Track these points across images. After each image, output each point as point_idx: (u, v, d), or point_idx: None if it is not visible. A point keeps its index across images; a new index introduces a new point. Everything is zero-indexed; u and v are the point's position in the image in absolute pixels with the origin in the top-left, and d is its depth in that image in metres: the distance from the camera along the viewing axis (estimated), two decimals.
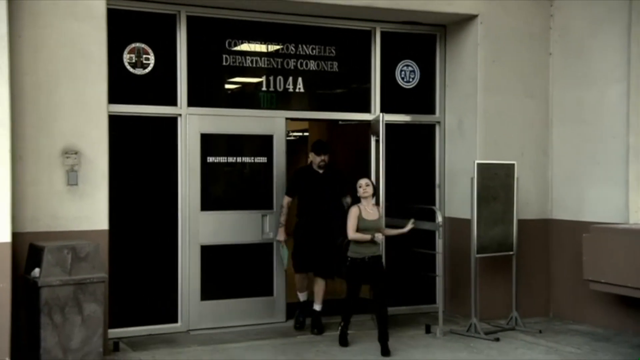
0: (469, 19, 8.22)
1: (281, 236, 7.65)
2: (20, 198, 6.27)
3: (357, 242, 6.79)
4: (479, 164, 7.46)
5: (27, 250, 6.14)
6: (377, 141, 7.82)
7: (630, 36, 7.45)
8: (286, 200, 7.58)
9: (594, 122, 7.94)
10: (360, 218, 6.78)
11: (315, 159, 7.64)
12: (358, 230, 6.75)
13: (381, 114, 7.65)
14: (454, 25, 8.50)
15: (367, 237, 6.71)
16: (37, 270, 5.79)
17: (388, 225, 7.29)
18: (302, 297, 7.81)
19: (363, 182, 6.91)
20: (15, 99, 6.22)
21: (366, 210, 6.84)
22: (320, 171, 7.64)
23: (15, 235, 6.06)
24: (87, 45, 6.59)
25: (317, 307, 7.60)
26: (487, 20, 8.14)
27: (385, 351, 6.58)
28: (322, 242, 7.43)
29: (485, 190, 7.46)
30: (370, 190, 6.88)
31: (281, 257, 7.82)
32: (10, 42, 6.14)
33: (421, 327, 7.59)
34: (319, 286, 7.58)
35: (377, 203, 7.18)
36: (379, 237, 6.82)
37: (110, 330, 6.80)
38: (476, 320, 7.44)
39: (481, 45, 8.16)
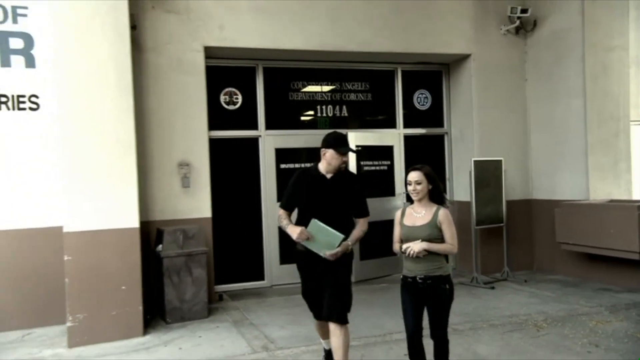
0: (464, 57, 8.07)
1: (295, 233, 3.78)
2: (152, 197, 6.49)
3: (406, 257, 3.66)
4: (475, 161, 7.38)
5: (155, 233, 6.30)
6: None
7: (584, 63, 7.28)
8: (281, 213, 4.01)
9: (560, 127, 7.69)
10: (401, 224, 3.74)
11: (333, 161, 3.91)
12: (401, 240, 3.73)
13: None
14: (454, 62, 8.34)
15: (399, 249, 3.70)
16: (160, 246, 5.96)
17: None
18: (326, 344, 4.26)
19: (413, 177, 3.69)
20: (145, 131, 6.43)
21: (412, 213, 3.72)
22: (329, 176, 3.96)
23: (148, 223, 6.27)
24: (191, 90, 6.71)
25: None
26: (477, 58, 7.97)
27: None
28: (331, 275, 3.87)
29: (480, 180, 7.33)
30: (421, 189, 3.63)
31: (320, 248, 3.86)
32: (141, 92, 6.37)
33: None
34: (337, 338, 3.84)
35: (441, 202, 3.73)
36: (411, 247, 3.52)
37: (217, 286, 6.96)
38: (477, 274, 7.34)
39: (474, 76, 7.99)
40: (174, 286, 5.95)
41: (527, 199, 8.18)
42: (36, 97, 5.97)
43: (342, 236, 3.66)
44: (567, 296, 6.51)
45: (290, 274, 7.51)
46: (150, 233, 6.31)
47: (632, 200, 7.00)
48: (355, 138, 8.02)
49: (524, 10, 7.76)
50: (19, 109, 5.93)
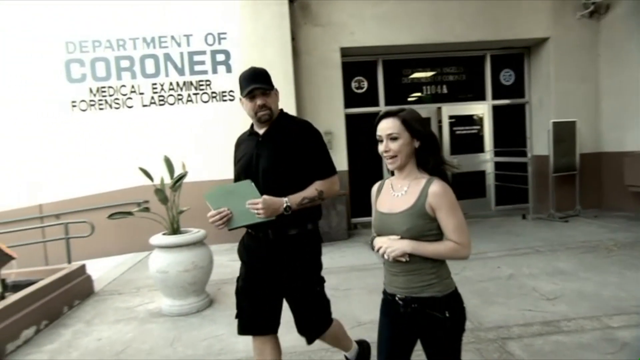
0: (544, 40, 7.31)
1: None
2: None
3: (383, 261, 1.52)
4: (553, 122, 6.76)
5: None
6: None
7: None
8: None
9: (628, 92, 6.74)
10: (375, 210, 1.61)
11: (246, 110, 2.00)
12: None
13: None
14: (535, 45, 7.58)
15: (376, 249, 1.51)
16: None
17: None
18: (350, 354, 2.36)
19: (384, 129, 1.48)
20: (301, 110, 6.61)
21: (388, 191, 1.56)
22: (261, 132, 2.00)
23: None
24: (332, 80, 6.80)
25: None
26: (555, 40, 7.18)
27: None
28: (291, 281, 1.96)
29: (557, 137, 6.73)
30: (398, 148, 1.45)
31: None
32: (298, 83, 6.62)
33: (519, 216, 7.08)
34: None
35: (438, 170, 1.48)
36: (385, 247, 1.45)
37: (353, 219, 7.13)
38: (553, 211, 6.81)
39: (552, 55, 7.22)
40: (323, 217, 6.23)
41: (597, 152, 7.33)
42: (232, 92, 6.53)
43: (248, 181, 1.88)
44: (633, 227, 5.86)
45: None
46: None
47: None
48: (449, 110, 7.78)
49: None
50: (222, 100, 6.53)
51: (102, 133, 6.41)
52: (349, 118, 7.19)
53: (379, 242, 1.52)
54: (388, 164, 1.54)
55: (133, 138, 6.43)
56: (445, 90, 7.83)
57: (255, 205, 1.85)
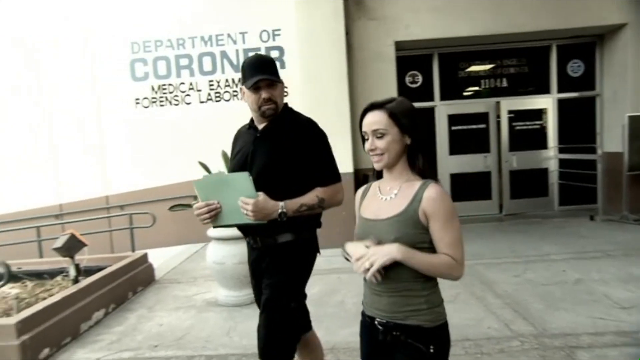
0: (620, 27, 6.74)
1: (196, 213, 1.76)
2: (360, 152, 6.55)
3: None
4: (630, 116, 6.23)
5: (362, 176, 6.43)
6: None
7: None
8: None
9: None
10: (358, 217, 1.37)
11: (249, 103, 1.79)
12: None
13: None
14: (609, 33, 7.02)
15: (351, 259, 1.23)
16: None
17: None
18: None
19: (370, 124, 1.27)
20: (354, 104, 6.50)
21: (377, 194, 1.34)
22: (260, 127, 1.84)
23: (359, 169, 6.45)
24: (385, 75, 6.67)
25: None
26: (634, 25, 6.60)
27: None
28: (266, 283, 1.78)
29: (634, 132, 6.19)
30: (386, 145, 1.26)
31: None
32: (352, 77, 6.58)
33: (586, 217, 6.61)
34: None
35: (421, 172, 1.27)
36: (363, 260, 1.16)
37: None
38: (627, 212, 6.30)
39: (629, 42, 6.64)
40: None
41: None
42: (286, 87, 6.58)
43: (245, 173, 1.67)
44: None
45: (460, 209, 7.38)
46: (359, 176, 6.53)
47: None
48: (509, 104, 7.41)
49: None
50: None
51: (163, 129, 6.74)
52: None
53: (355, 255, 1.21)
54: (374, 163, 1.35)
55: (191, 133, 6.70)
56: (505, 84, 7.46)
57: (246, 205, 1.64)
